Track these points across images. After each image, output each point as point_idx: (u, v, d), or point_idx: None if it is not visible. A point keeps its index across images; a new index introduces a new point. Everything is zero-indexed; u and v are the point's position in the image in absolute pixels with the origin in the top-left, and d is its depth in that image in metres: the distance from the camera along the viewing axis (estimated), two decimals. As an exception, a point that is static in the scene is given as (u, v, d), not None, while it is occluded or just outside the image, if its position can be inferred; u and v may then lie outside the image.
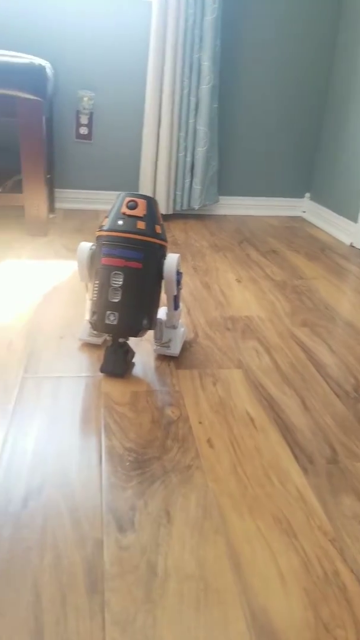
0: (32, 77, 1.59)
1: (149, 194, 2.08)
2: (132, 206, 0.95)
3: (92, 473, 0.73)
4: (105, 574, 0.58)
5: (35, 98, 1.61)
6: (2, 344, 1.07)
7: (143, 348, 1.09)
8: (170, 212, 2.13)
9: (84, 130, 2.13)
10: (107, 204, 2.26)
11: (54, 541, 0.62)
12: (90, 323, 0.98)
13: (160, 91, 1.93)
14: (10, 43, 1.95)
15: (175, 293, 0.98)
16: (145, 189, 2.07)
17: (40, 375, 0.97)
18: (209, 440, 0.82)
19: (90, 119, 2.12)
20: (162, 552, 0.62)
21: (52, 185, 2.13)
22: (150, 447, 0.79)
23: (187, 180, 2.09)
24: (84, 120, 2.11)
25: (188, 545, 0.63)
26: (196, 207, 2.13)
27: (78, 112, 2.10)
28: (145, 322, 0.96)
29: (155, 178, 2.07)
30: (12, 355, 1.04)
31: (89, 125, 2.12)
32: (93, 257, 1.00)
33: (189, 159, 2.06)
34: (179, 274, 0.98)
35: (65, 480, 0.72)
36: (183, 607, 0.55)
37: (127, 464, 0.76)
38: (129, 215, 0.95)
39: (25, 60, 1.59)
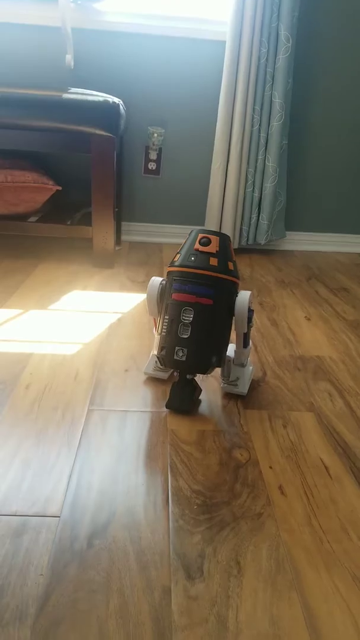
0: (106, 115, 1.65)
1: (216, 228, 2.08)
2: (205, 242, 0.95)
3: (159, 514, 0.71)
4: (173, 625, 0.56)
5: (107, 134, 1.66)
6: (69, 375, 1.08)
7: (210, 385, 1.07)
8: (236, 246, 2.13)
9: (152, 166, 2.18)
10: (171, 237, 2.29)
11: (120, 585, 0.60)
12: (158, 358, 0.97)
13: (230, 127, 1.96)
14: (86, 82, 2.04)
15: (245, 330, 0.96)
16: (211, 222, 2.08)
17: (106, 409, 0.97)
18: (280, 487, 0.78)
19: (159, 155, 2.17)
20: (232, 605, 0.58)
21: (119, 218, 2.18)
22: (218, 490, 0.76)
23: (254, 215, 2.09)
24: (152, 155, 2.17)
25: (261, 600, 0.59)
26: (262, 242, 2.12)
27: (147, 148, 2.16)
28: (214, 359, 0.94)
29: (222, 212, 2.08)
30: (79, 386, 1.04)
31: (157, 160, 2.17)
32: (163, 292, 1.00)
33: (256, 194, 2.06)
34: (250, 311, 0.96)
35: (132, 520, 0.70)
36: (256, 671, 0.52)
37: (195, 507, 0.73)
38: (202, 252, 0.94)
39: (100, 99, 1.65)
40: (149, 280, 1.72)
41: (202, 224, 2.27)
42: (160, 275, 1.80)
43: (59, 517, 0.70)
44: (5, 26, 1.95)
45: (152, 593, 0.59)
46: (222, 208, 2.07)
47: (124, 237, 2.29)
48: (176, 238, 2.29)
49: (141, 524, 0.70)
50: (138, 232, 2.29)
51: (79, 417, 0.94)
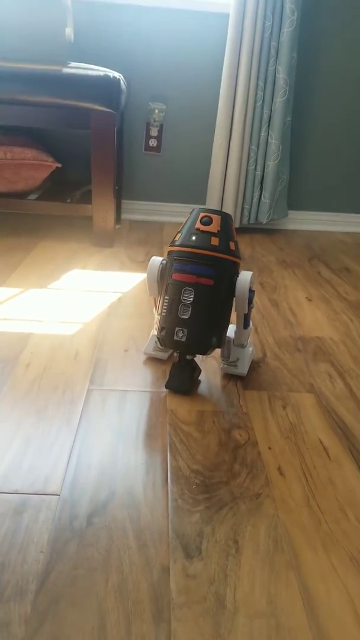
0: (106, 90, 1.61)
1: (217, 206, 2.06)
2: (207, 222, 0.94)
3: (158, 494, 0.72)
4: (172, 603, 0.56)
5: (108, 110, 1.63)
6: (69, 354, 1.08)
7: (209, 365, 1.07)
8: (237, 225, 2.11)
9: (153, 143, 2.15)
10: (172, 216, 2.27)
11: (119, 564, 0.61)
12: (158, 338, 0.97)
13: (233, 103, 1.92)
14: (86, 55, 2.00)
15: (246, 311, 0.96)
16: (212, 201, 2.06)
17: (105, 388, 0.97)
18: (279, 468, 0.78)
19: (160, 131, 2.13)
20: (230, 584, 0.59)
21: (119, 196, 2.16)
22: (217, 470, 0.77)
23: (256, 194, 2.06)
24: (153, 132, 2.13)
25: (258, 579, 0.60)
26: (264, 221, 2.10)
27: (148, 124, 2.12)
28: (214, 340, 0.94)
29: (223, 191, 2.06)
30: (79, 366, 1.04)
31: (159, 137, 2.14)
32: (164, 271, 0.99)
33: (259, 172, 2.03)
34: (251, 291, 0.95)
35: (131, 499, 0.71)
36: (253, 648, 0.52)
37: (194, 487, 0.73)
38: (203, 231, 0.93)
39: (100, 73, 1.62)
40: (149, 260, 1.71)
41: (203, 202, 2.24)
42: (161, 255, 1.79)
43: (58, 495, 0.71)
44: (3, -3, 1.90)
45: (151, 571, 0.60)
46: (223, 186, 2.05)
47: (124, 216, 2.27)
48: (177, 217, 2.27)
49: (140, 503, 0.70)
50: (138, 210, 2.27)
51: (79, 397, 0.94)
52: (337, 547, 0.65)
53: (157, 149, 2.16)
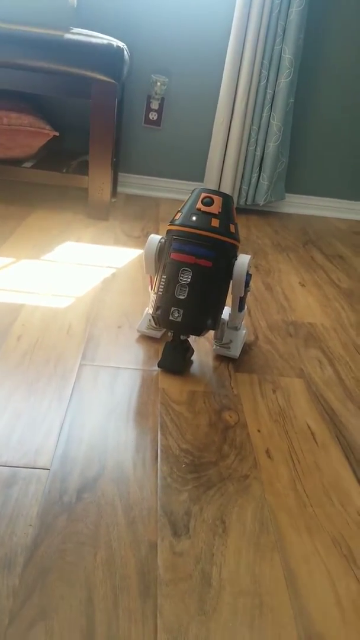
0: (109, 59, 1.58)
1: (215, 185, 2.04)
2: (208, 202, 0.93)
3: (148, 471, 0.73)
4: (158, 579, 0.57)
5: (109, 80, 1.60)
6: (61, 328, 1.08)
7: (202, 346, 1.08)
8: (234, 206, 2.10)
9: (153, 116, 2.12)
10: (169, 192, 2.24)
11: (107, 539, 0.62)
12: (153, 317, 0.97)
13: (237, 81, 1.89)
14: (88, 23, 1.94)
15: (242, 294, 0.96)
16: (211, 179, 2.04)
17: (97, 364, 0.97)
18: (267, 451, 0.79)
19: (161, 105, 2.10)
20: (216, 562, 0.60)
21: (116, 169, 2.13)
22: (206, 451, 0.78)
23: (255, 175, 2.05)
24: (154, 105, 2.09)
25: (244, 558, 0.61)
26: (261, 202, 2.08)
27: (149, 97, 2.08)
28: (209, 321, 0.94)
29: (222, 169, 2.04)
30: (71, 340, 1.04)
31: (159, 111, 2.10)
32: (162, 250, 0.98)
33: (258, 153, 2.01)
34: (248, 275, 0.95)
35: (121, 475, 0.71)
36: (236, 623, 0.54)
37: (183, 466, 0.74)
38: (204, 212, 0.93)
39: (104, 41, 1.58)
40: (144, 236, 1.70)
41: (202, 180, 2.22)
42: (156, 232, 1.78)
43: (49, 469, 0.71)
44: None
45: (139, 547, 0.61)
46: (222, 165, 2.03)
47: (120, 189, 2.24)
48: (173, 193, 2.25)
49: (130, 480, 0.71)
50: (135, 184, 2.24)
51: (71, 372, 0.94)
52: (321, 531, 0.67)
53: (157, 122, 2.13)
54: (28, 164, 1.80)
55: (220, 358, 1.04)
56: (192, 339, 1.09)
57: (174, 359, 0.96)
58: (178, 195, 2.25)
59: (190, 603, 0.55)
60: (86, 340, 1.04)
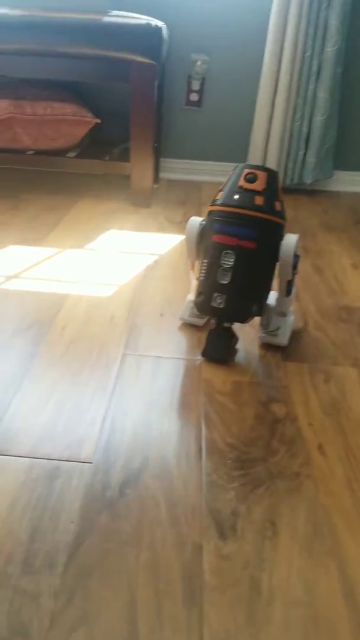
0: (147, 39, 1.53)
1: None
2: (251, 179, 0.87)
3: (192, 467, 0.69)
4: (204, 585, 0.54)
5: (149, 62, 1.55)
6: (104, 317, 1.05)
7: (247, 333, 1.03)
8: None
9: (194, 97, 2.05)
10: (211, 175, 2.18)
11: (151, 539, 0.59)
12: (195, 304, 0.93)
13: (280, 54, 1.80)
14: (126, 4, 1.89)
15: (290, 278, 0.90)
16: (254, 160, 1.97)
17: (140, 353, 0.94)
18: (320, 447, 0.74)
19: (202, 85, 2.03)
20: (266, 568, 0.56)
21: (157, 154, 2.09)
22: (254, 446, 0.74)
23: (301, 152, 1.96)
24: (195, 85, 2.03)
25: (296, 564, 0.57)
26: (309, 181, 1.99)
27: (190, 77, 2.02)
28: (254, 307, 0.89)
29: (266, 149, 1.96)
30: (114, 329, 1.01)
31: (200, 91, 2.04)
32: (203, 233, 0.94)
33: (304, 128, 1.92)
34: (296, 256, 0.89)
35: (164, 470, 0.68)
36: (289, 637, 0.50)
37: (229, 461, 0.70)
38: (246, 189, 0.87)
39: (142, 21, 1.53)
40: (186, 221, 1.66)
41: (245, 160, 2.15)
42: (199, 216, 1.73)
43: (91, 462, 0.69)
44: None
45: (183, 549, 0.58)
46: (266, 143, 1.95)
47: (162, 175, 2.20)
48: (216, 176, 2.19)
49: (173, 475, 0.68)
50: (177, 169, 2.19)
51: (113, 361, 0.91)
52: (381, 534, 0.61)
53: (198, 103, 2.06)
54: (72, 154, 1.78)
55: (267, 346, 0.99)
56: (236, 326, 1.05)
57: (217, 347, 0.92)
58: (220, 177, 2.18)
59: (238, 612, 0.52)
60: (129, 329, 1.02)
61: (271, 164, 1.94)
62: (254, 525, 0.61)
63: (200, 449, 0.72)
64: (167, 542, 0.58)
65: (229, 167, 2.16)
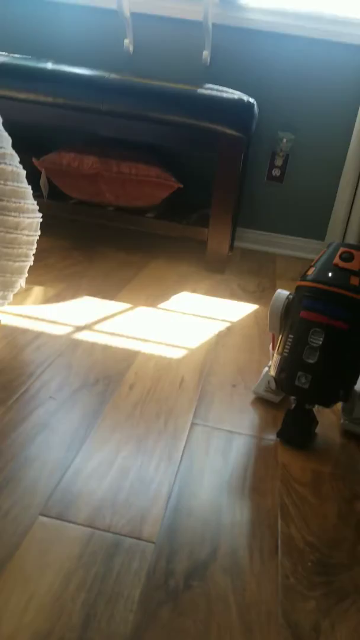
0: (239, 114, 1.57)
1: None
2: (347, 258, 0.84)
3: (267, 564, 0.62)
4: None
5: (238, 135, 1.58)
6: (174, 380, 1.01)
7: (326, 418, 0.96)
8: None
9: (276, 172, 2.08)
10: (286, 249, 2.17)
11: (220, 647, 0.51)
12: (276, 381, 0.87)
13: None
14: (219, 78, 1.98)
15: (382, 364, 0.84)
16: (333, 237, 1.94)
17: (210, 425, 0.89)
18: None
19: (285, 161, 2.06)
20: None
21: (235, 222, 2.10)
22: (337, 549, 0.65)
23: (383, 235, 1.92)
24: (278, 162, 2.06)
25: None
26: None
27: (274, 153, 2.05)
28: (341, 392, 0.83)
29: (346, 228, 1.93)
30: (183, 394, 0.97)
31: (283, 167, 2.06)
32: (289, 307, 0.90)
33: (388, 212, 1.89)
34: (391, 342, 0.83)
35: (235, 564, 0.61)
36: None
37: (309, 564, 0.63)
38: (342, 268, 0.83)
39: (235, 96, 1.58)
40: (259, 291, 1.63)
41: (321, 238, 2.13)
42: (272, 288, 1.70)
43: (154, 542, 0.63)
44: (146, 18, 1.93)
45: (258, 666, 0.50)
46: (347, 222, 1.93)
47: (237, 243, 2.21)
48: (291, 250, 2.17)
49: (246, 572, 0.60)
50: (251, 239, 2.19)
51: (182, 430, 0.86)
52: None
53: (280, 179, 2.09)
54: (151, 214, 1.82)
55: (350, 435, 0.91)
56: (316, 408, 0.98)
57: (296, 430, 0.86)
58: (294, 251, 2.17)
59: None
60: (199, 396, 0.97)
61: (350, 241, 1.90)
62: (341, 650, 0.53)
63: (276, 545, 0.65)
64: (239, 654, 0.51)
65: (304, 242, 2.15)
